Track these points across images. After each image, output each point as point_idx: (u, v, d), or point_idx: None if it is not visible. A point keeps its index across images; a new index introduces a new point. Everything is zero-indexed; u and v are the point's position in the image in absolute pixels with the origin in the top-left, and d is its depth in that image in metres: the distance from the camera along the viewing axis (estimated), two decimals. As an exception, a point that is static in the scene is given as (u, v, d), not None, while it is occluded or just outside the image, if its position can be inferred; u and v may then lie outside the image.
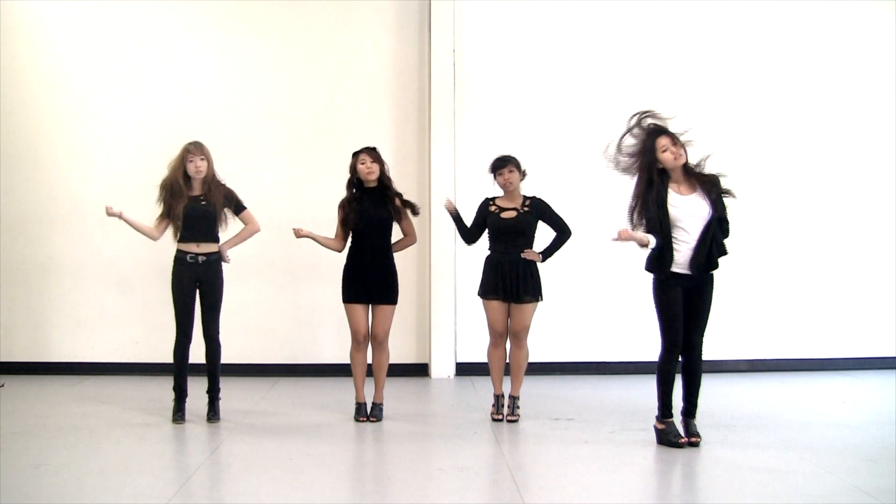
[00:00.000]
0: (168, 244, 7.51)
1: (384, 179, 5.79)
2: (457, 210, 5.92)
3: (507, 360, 5.86)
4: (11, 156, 7.62)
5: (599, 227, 6.18)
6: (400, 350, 7.56)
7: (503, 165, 5.68)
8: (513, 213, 5.68)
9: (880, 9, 7.91)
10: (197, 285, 5.70)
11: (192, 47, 7.70)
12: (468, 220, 5.90)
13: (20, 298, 7.60)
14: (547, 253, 5.75)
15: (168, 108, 7.65)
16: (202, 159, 5.64)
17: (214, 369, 5.78)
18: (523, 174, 5.75)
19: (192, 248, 5.68)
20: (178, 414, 5.72)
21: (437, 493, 4.33)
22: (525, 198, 5.75)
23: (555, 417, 5.94)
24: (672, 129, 5.15)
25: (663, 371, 5.20)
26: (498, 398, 5.83)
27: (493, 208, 5.75)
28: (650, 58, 7.79)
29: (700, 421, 5.74)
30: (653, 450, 5.10)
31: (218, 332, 5.77)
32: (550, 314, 7.62)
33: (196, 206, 5.65)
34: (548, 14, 7.74)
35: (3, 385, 6.94)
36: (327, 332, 7.61)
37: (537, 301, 5.70)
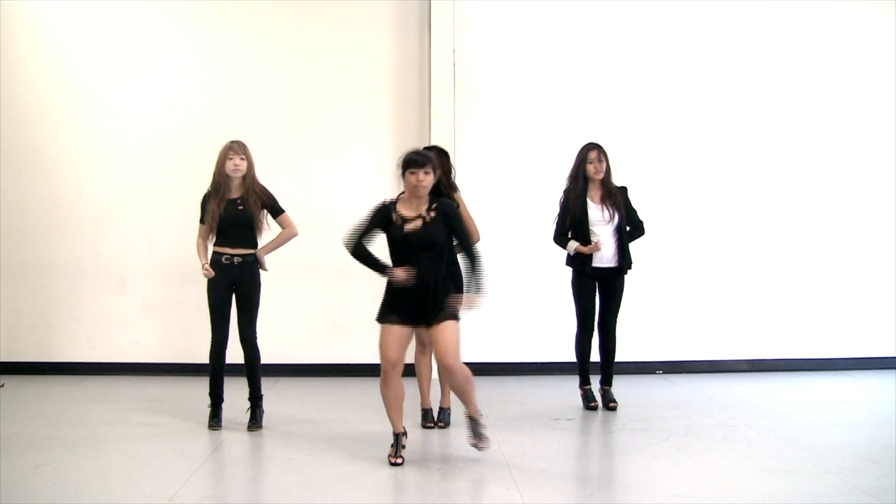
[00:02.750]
0: (165, 246, 7.58)
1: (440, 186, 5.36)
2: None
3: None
4: (12, 156, 7.62)
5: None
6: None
7: (422, 165, 4.67)
8: (418, 223, 4.69)
9: (880, 9, 7.92)
10: (232, 288, 5.55)
11: (192, 48, 7.69)
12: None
13: (20, 298, 7.60)
14: (473, 287, 4.70)
15: (168, 108, 7.64)
16: (242, 158, 5.48)
17: (254, 375, 5.61)
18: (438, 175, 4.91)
19: (227, 250, 5.53)
20: (214, 420, 5.56)
21: (438, 493, 4.33)
22: (431, 201, 4.76)
23: (555, 417, 5.94)
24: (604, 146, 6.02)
25: (579, 348, 6.13)
26: (398, 437, 4.81)
27: (394, 218, 4.73)
28: (650, 58, 7.79)
29: (700, 421, 5.79)
30: (652, 450, 5.10)
31: (255, 336, 5.58)
32: (549, 314, 7.65)
33: (233, 211, 5.48)
34: (548, 14, 7.74)
35: (3, 385, 6.94)
36: (327, 331, 7.61)
37: (456, 319, 4.69)
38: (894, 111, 7.88)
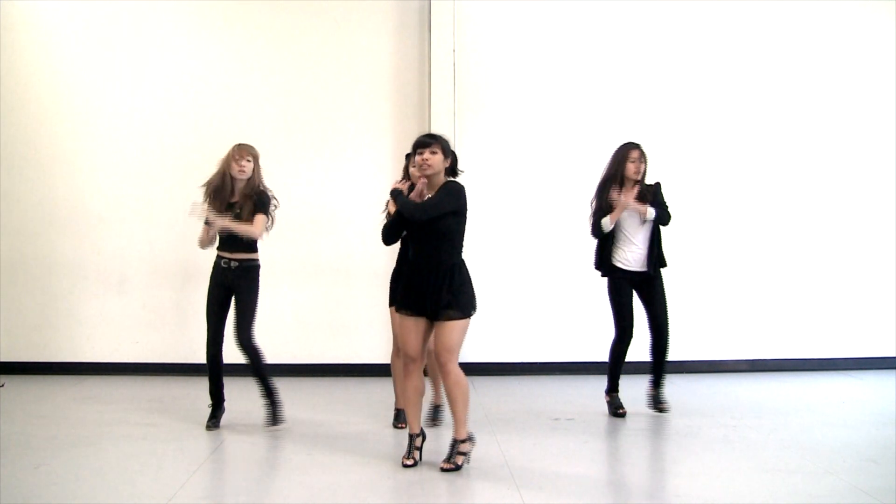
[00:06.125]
0: (165, 246, 7.58)
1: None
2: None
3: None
4: (12, 156, 7.62)
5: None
6: (400, 350, 7.56)
7: (427, 145, 4.64)
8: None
9: (880, 9, 7.92)
10: (229, 291, 5.51)
11: (193, 48, 7.69)
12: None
13: (20, 298, 7.60)
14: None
15: (168, 108, 7.65)
16: (248, 161, 5.42)
17: (257, 375, 5.57)
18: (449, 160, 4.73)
19: (226, 254, 5.50)
20: (212, 420, 5.57)
21: (437, 493, 4.33)
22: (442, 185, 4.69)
23: (555, 417, 5.94)
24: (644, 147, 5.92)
25: (614, 353, 6.01)
26: (412, 438, 4.73)
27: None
28: (650, 58, 7.79)
29: (700, 421, 5.79)
30: (653, 450, 5.11)
31: (249, 339, 5.45)
32: (550, 314, 7.66)
33: (231, 214, 5.42)
34: (548, 14, 7.74)
35: (3, 385, 6.94)
36: (326, 331, 7.60)
37: (466, 317, 4.58)
38: (894, 111, 7.88)
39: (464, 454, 4.61)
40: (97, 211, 7.62)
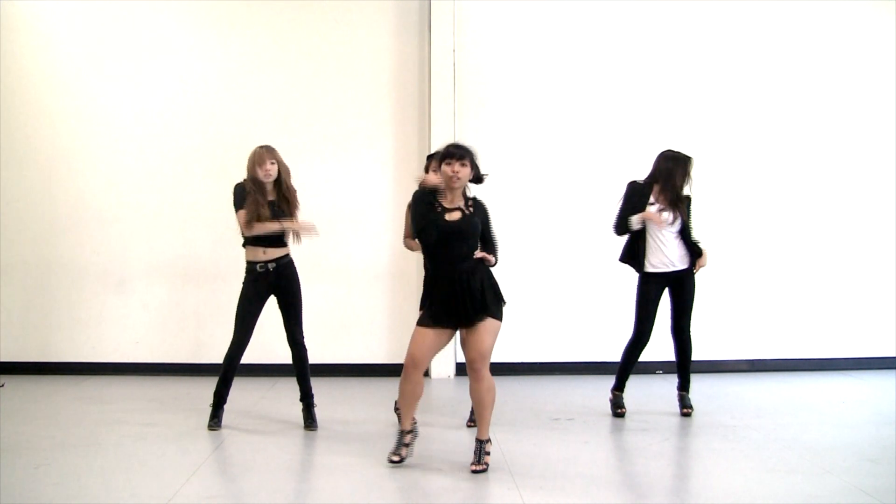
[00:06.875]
0: (165, 246, 7.58)
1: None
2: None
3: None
4: (12, 156, 7.61)
5: (598, 227, 6.18)
6: (400, 350, 7.56)
7: (459, 157, 4.62)
8: (457, 215, 4.64)
9: (880, 9, 7.92)
10: (270, 294, 5.51)
11: (193, 47, 7.69)
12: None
13: (20, 298, 7.60)
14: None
15: (168, 108, 7.64)
16: (272, 163, 5.42)
17: (304, 374, 5.62)
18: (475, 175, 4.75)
19: (260, 254, 5.44)
20: (214, 420, 5.52)
21: (437, 493, 4.34)
22: (468, 198, 4.74)
23: (555, 417, 5.94)
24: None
25: (628, 353, 5.99)
26: (402, 434, 4.78)
27: (436, 205, 4.68)
28: (650, 58, 7.79)
29: (700, 421, 5.80)
30: (652, 450, 5.11)
31: (303, 336, 5.57)
32: (550, 314, 7.66)
33: (273, 213, 5.42)
34: (548, 14, 7.74)
35: (3, 385, 6.94)
36: (327, 331, 7.60)
37: (496, 317, 4.63)
38: (894, 111, 7.88)
39: (489, 453, 4.67)
40: (97, 211, 7.62)
